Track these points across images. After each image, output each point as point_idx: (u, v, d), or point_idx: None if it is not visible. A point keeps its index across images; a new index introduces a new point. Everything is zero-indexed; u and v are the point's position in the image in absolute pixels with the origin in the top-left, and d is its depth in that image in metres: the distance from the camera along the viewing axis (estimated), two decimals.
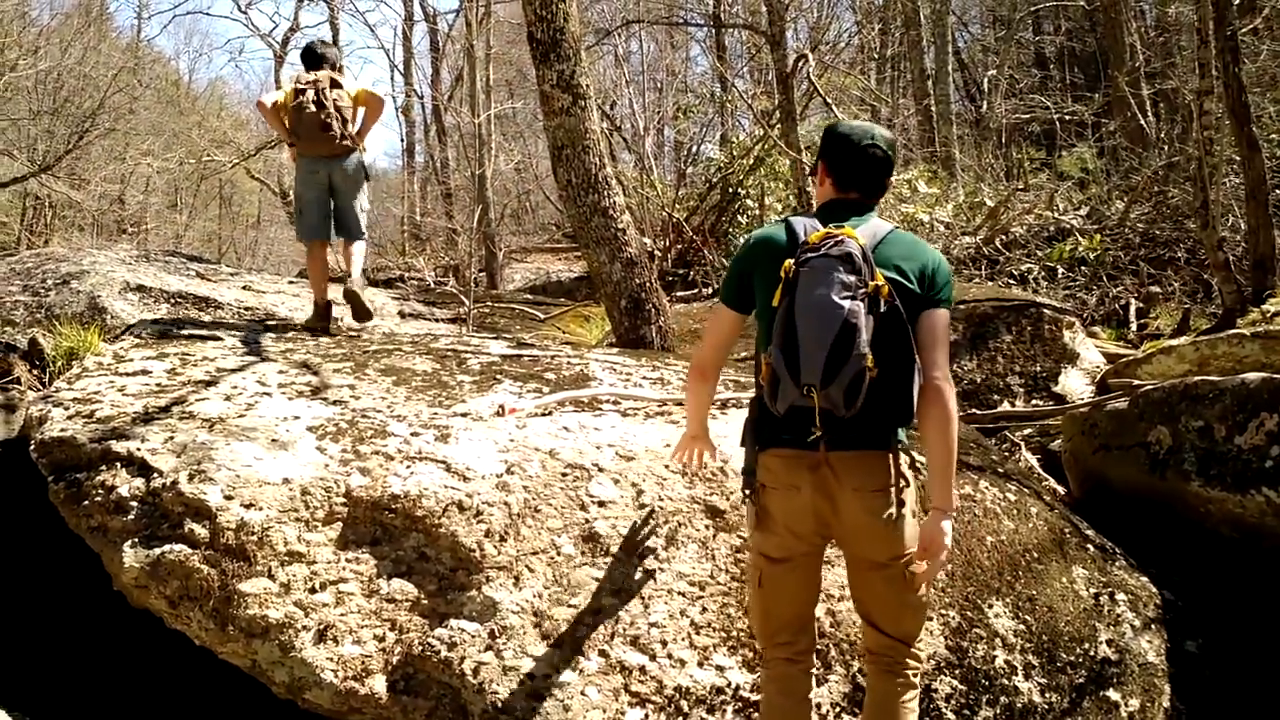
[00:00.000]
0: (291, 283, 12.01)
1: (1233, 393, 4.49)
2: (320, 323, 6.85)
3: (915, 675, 3.10)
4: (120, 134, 24.45)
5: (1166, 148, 14.69)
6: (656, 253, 14.33)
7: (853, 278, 2.81)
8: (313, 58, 6.83)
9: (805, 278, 2.84)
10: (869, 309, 2.80)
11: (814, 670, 3.26)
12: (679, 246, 15.34)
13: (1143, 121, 16.79)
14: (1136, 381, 5.99)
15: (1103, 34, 22.53)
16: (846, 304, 2.77)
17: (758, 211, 15.76)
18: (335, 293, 6.85)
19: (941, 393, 2.93)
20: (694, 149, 20.03)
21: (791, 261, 2.88)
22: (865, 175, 3.13)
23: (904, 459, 2.96)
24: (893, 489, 2.92)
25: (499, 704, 3.13)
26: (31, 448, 3.89)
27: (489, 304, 12.10)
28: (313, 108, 6.39)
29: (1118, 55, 18.81)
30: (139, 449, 3.68)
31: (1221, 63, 8.49)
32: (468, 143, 21.62)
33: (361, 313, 6.75)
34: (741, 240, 3.40)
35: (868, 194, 3.15)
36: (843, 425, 2.84)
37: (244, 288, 10.20)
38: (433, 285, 15.04)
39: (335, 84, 6.56)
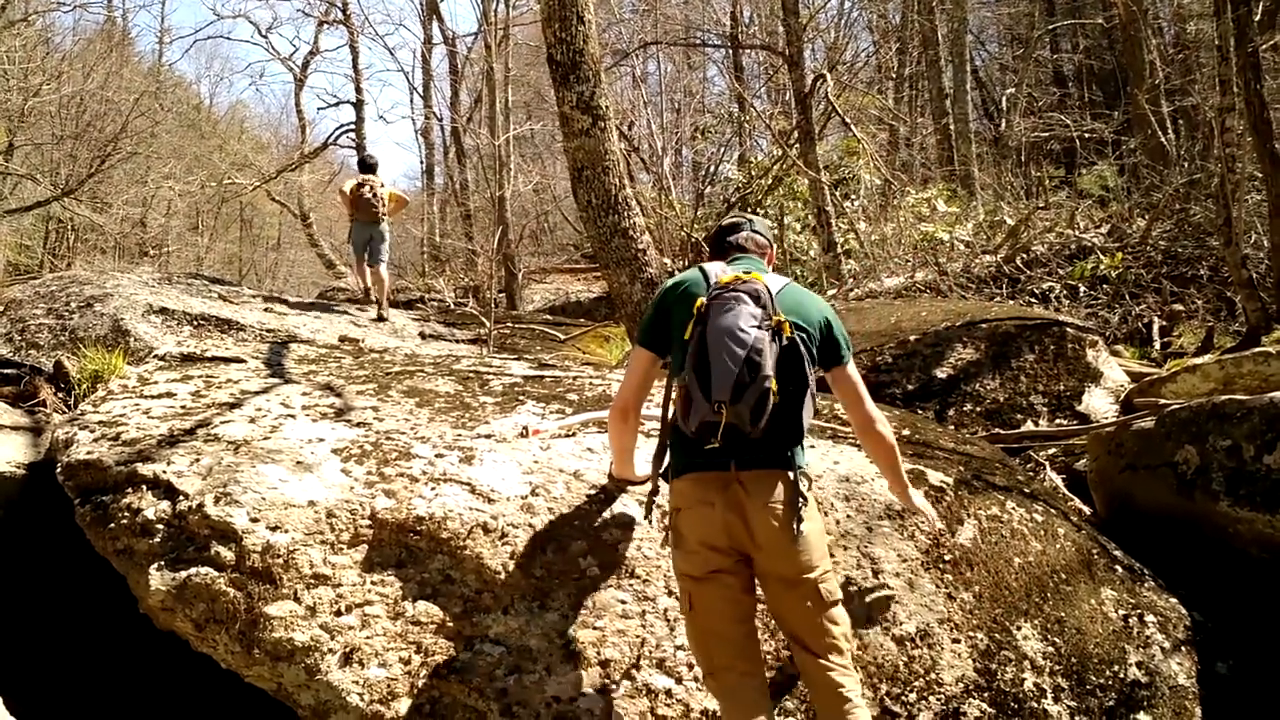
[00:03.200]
0: (313, 304, 12.07)
1: (1261, 411, 4.45)
2: (364, 296, 12.62)
3: (853, 688, 3.11)
4: (142, 157, 24.61)
5: (1188, 165, 14.62)
6: (674, 273, 14.33)
7: (760, 311, 3.16)
8: (366, 167, 12.83)
9: (715, 309, 3.17)
10: (772, 339, 3.13)
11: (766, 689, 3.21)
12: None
13: (1163, 139, 16.74)
14: (1162, 401, 5.94)
15: (1121, 51, 22.51)
16: (754, 332, 3.10)
17: (776, 231, 15.75)
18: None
19: (883, 437, 3.44)
20: (712, 169, 20.03)
21: (703, 299, 3.22)
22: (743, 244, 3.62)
23: (803, 481, 3.22)
24: (796, 506, 3.15)
25: None
26: (58, 470, 3.90)
27: (509, 325, 12.12)
28: (369, 195, 11.89)
29: (1137, 73, 18.78)
30: (165, 471, 3.69)
31: (1243, 79, 8.45)
32: (487, 164, 21.72)
33: (380, 313, 11.42)
34: (660, 287, 3.57)
35: (759, 253, 3.62)
36: (750, 446, 3.12)
37: (266, 310, 10.24)
38: (453, 306, 15.08)
39: (381, 183, 12.14)
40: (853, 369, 3.44)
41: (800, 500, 3.16)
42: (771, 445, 3.18)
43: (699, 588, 3.17)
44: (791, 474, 3.20)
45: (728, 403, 3.01)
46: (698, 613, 3.17)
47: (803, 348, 3.21)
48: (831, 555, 3.57)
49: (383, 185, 12.04)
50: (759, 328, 3.11)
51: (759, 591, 3.26)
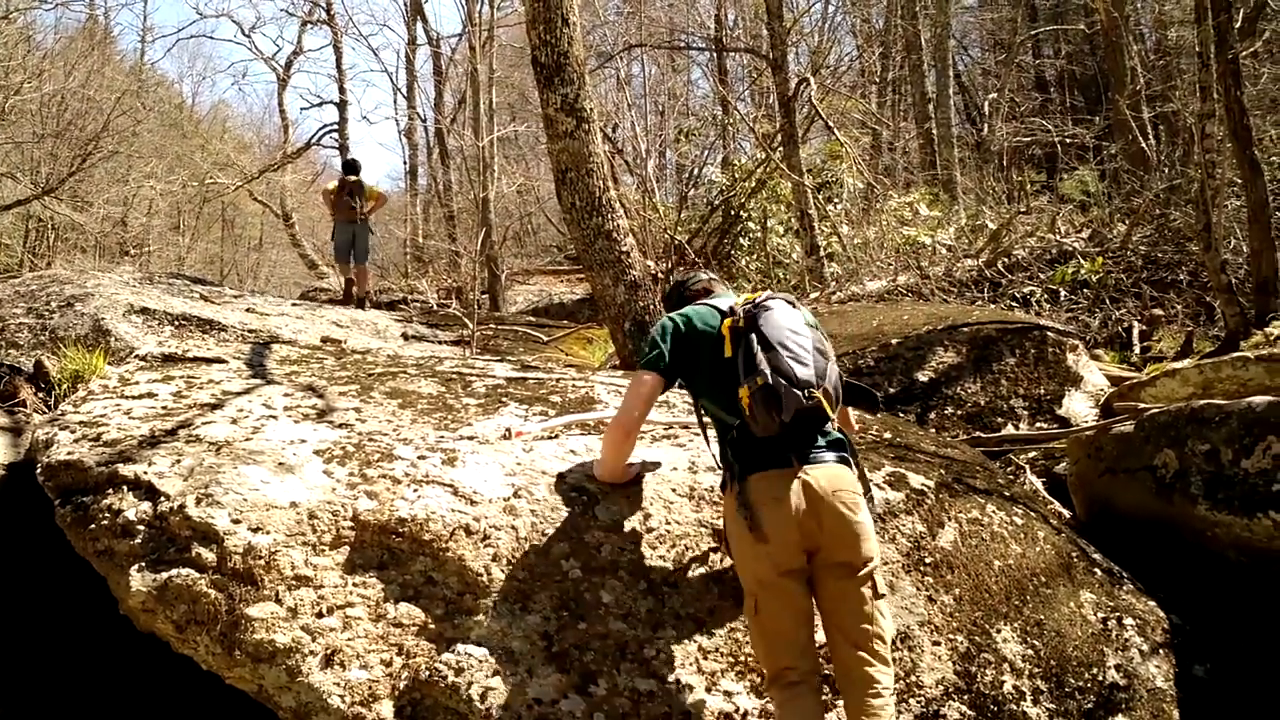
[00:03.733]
0: (295, 304, 12.03)
1: (1239, 416, 4.49)
2: (344, 295, 13.47)
3: (888, 685, 3.20)
4: (123, 156, 24.44)
5: (1168, 170, 14.74)
6: (659, 275, 14.35)
7: (799, 312, 3.52)
8: (348, 168, 13.72)
9: (762, 315, 3.44)
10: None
11: (824, 695, 3.29)
12: (681, 269, 15.35)
13: (1144, 144, 16.84)
14: (1142, 405, 5.98)
15: (1103, 57, 22.63)
16: (805, 327, 3.44)
17: (759, 234, 15.80)
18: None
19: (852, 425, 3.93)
20: (696, 172, 20.07)
21: (736, 316, 3.51)
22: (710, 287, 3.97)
23: (859, 468, 3.50)
24: (859, 492, 3.38)
25: None
26: (38, 471, 3.88)
27: (492, 326, 12.12)
28: (349, 196, 13.02)
29: (1118, 78, 18.88)
30: (146, 472, 3.68)
31: (1223, 86, 8.52)
32: (470, 165, 21.70)
33: (360, 303, 12.82)
34: (667, 320, 3.69)
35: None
36: (810, 439, 3.36)
37: (248, 310, 10.21)
38: (435, 307, 15.07)
39: (360, 184, 13.25)
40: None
41: (862, 487, 3.43)
42: (829, 436, 3.43)
43: (766, 591, 3.26)
44: (853, 460, 3.47)
45: (816, 387, 3.27)
46: (764, 615, 3.26)
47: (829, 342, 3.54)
48: None
49: (361, 185, 13.21)
50: (807, 324, 3.47)
51: None
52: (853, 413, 3.82)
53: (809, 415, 3.27)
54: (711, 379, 3.57)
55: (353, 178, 13.33)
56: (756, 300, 3.54)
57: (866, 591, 3.26)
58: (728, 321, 3.53)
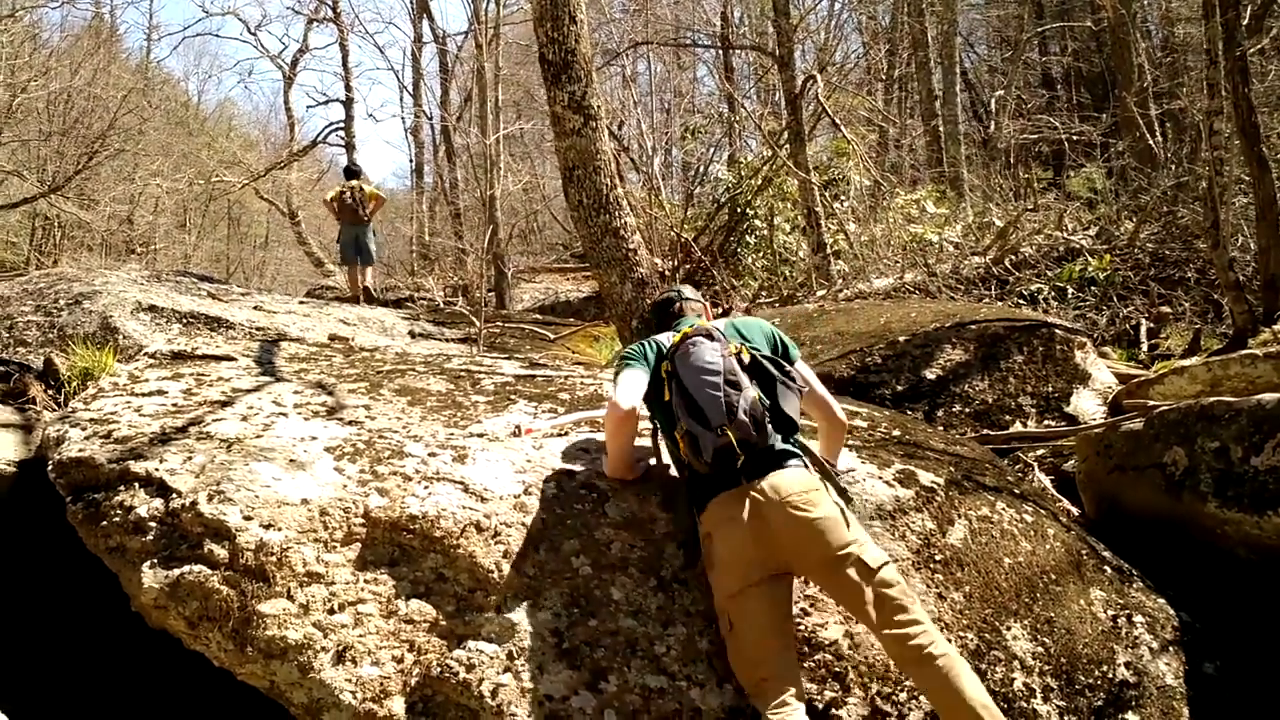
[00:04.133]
0: (302, 302, 12.05)
1: (1249, 413, 4.47)
2: (350, 294, 13.91)
3: (937, 641, 3.32)
4: (130, 155, 24.50)
5: (1175, 167, 14.70)
6: (666, 273, 14.35)
7: (717, 344, 3.62)
8: (349, 174, 14.45)
9: (680, 360, 3.60)
10: (737, 362, 3.57)
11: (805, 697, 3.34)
12: (687, 267, 15.36)
13: (1151, 141, 16.81)
14: (1151, 402, 5.97)
15: (1110, 54, 22.60)
16: (720, 360, 3.53)
17: (766, 231, 15.79)
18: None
19: (836, 417, 3.99)
20: (702, 169, 20.06)
21: (666, 362, 3.69)
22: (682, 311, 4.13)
23: (811, 468, 3.61)
24: (818, 489, 3.49)
25: None
26: (49, 468, 3.89)
27: (498, 324, 12.12)
28: (350, 199, 13.49)
29: (1125, 75, 18.86)
30: (157, 469, 3.69)
31: (1231, 83, 8.49)
32: (477, 163, 21.70)
33: (370, 300, 13.40)
34: (636, 346, 3.81)
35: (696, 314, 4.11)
36: (755, 456, 3.44)
37: (255, 308, 10.22)
38: (442, 305, 15.08)
39: (360, 188, 13.70)
40: (802, 365, 3.97)
41: (813, 485, 3.49)
42: (772, 448, 3.50)
43: (735, 605, 3.36)
44: (798, 463, 3.55)
45: (727, 424, 3.39)
46: (737, 631, 3.35)
47: (762, 360, 3.65)
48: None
49: (362, 189, 13.73)
50: (723, 356, 3.56)
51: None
52: (845, 405, 3.85)
53: (729, 450, 3.39)
54: (662, 416, 3.80)
55: (353, 182, 13.90)
56: (681, 342, 3.70)
57: (853, 573, 3.34)
58: (665, 365, 3.70)
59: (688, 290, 4.29)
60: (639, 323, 6.81)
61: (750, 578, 3.35)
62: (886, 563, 3.43)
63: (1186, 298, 10.84)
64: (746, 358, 3.63)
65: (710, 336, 3.67)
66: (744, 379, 3.52)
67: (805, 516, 3.38)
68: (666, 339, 3.84)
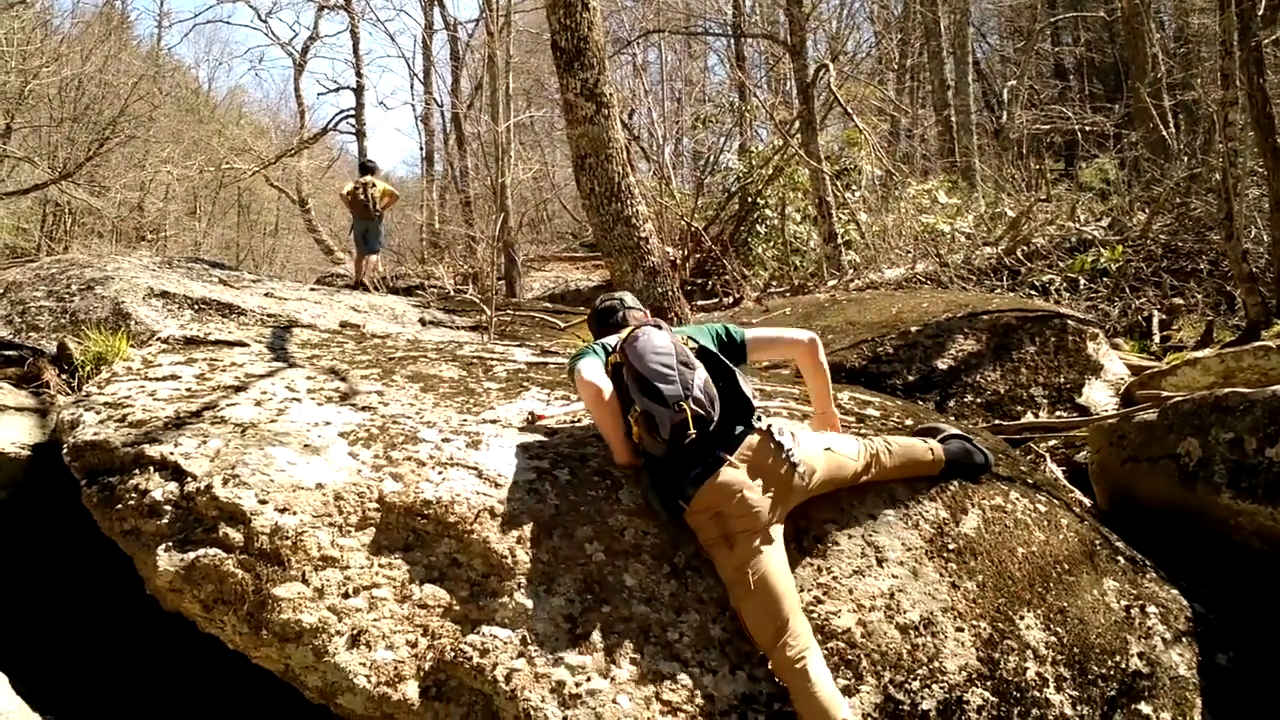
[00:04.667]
0: (313, 289, 12.07)
1: (1263, 405, 4.46)
2: (355, 282, 14.37)
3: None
4: (140, 141, 24.55)
5: (1189, 159, 14.63)
6: (675, 261, 14.33)
7: (665, 332, 3.77)
8: (364, 170, 15.19)
9: (630, 349, 3.68)
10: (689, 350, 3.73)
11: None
12: (698, 256, 15.34)
13: (1164, 132, 16.75)
14: (1165, 393, 5.96)
15: (1123, 45, 22.50)
16: (670, 345, 3.67)
17: (777, 221, 15.76)
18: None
19: (805, 345, 4.17)
20: (713, 159, 20.02)
21: (614, 354, 3.81)
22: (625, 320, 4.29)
23: (773, 426, 3.72)
24: (782, 444, 3.66)
25: (531, 711, 3.12)
26: (65, 451, 3.90)
27: (509, 312, 12.12)
28: (363, 196, 14.11)
29: (1139, 66, 18.78)
30: (172, 453, 3.70)
31: (1245, 73, 8.44)
32: (487, 151, 21.69)
33: (372, 288, 13.62)
34: (584, 348, 4.14)
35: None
36: (718, 435, 3.59)
37: (266, 295, 10.23)
38: (452, 293, 15.10)
39: (374, 184, 14.39)
40: (752, 330, 4.20)
41: (780, 440, 3.66)
42: (731, 424, 3.66)
43: (752, 563, 3.45)
44: (761, 427, 3.70)
45: (683, 399, 3.50)
46: (757, 587, 3.42)
47: (708, 348, 3.84)
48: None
49: (374, 185, 14.48)
50: (672, 342, 3.70)
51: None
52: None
53: (684, 426, 3.48)
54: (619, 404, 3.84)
55: (367, 178, 14.69)
56: (628, 335, 3.79)
57: (838, 471, 3.89)
58: (612, 357, 3.82)
59: (629, 299, 4.49)
60: (650, 310, 6.81)
61: (769, 523, 3.55)
62: (857, 451, 4.00)
63: (1199, 289, 10.80)
64: (694, 346, 3.80)
65: (659, 327, 3.83)
66: (694, 360, 3.68)
67: (786, 471, 3.63)
68: (613, 340, 3.98)
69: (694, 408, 3.48)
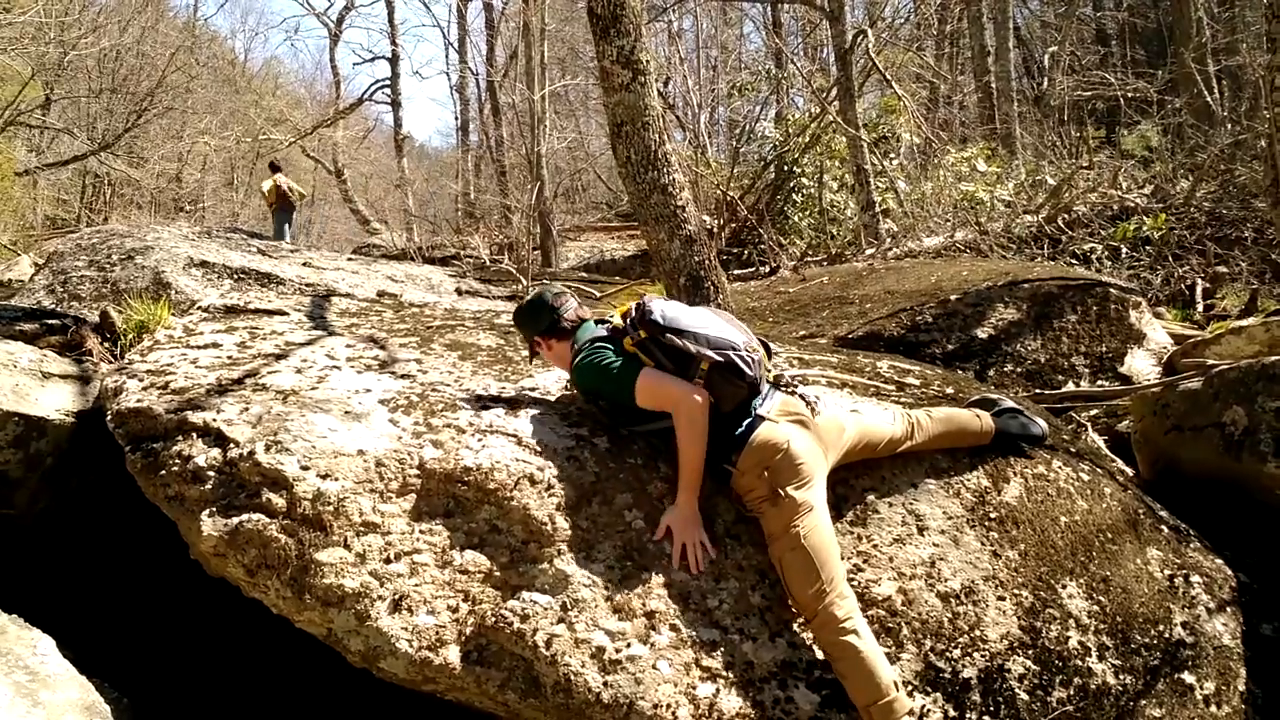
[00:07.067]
0: (350, 259, 12.13)
1: None
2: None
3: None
4: (178, 112, 24.77)
5: (1233, 125, 14.40)
6: (712, 230, 14.27)
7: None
8: (273, 168, 17.84)
9: (656, 317, 3.67)
10: None
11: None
12: (733, 225, 15.28)
13: (1209, 98, 16.47)
14: (1210, 361, 5.88)
15: (1166, 9, 22.11)
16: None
17: (814, 190, 15.65)
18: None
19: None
20: (749, 127, 19.88)
21: (627, 337, 3.74)
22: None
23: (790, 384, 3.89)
24: (805, 403, 3.74)
25: (571, 676, 3.13)
26: (109, 418, 3.94)
27: (544, 281, 12.13)
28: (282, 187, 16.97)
29: (1183, 30, 18.45)
30: (215, 420, 3.72)
31: None
32: (522, 120, 21.65)
33: None
34: (601, 350, 3.89)
35: None
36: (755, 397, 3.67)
37: (304, 264, 10.30)
38: (488, 263, 15.11)
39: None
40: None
41: (807, 397, 3.76)
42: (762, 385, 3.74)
43: (807, 512, 3.45)
44: (787, 385, 3.82)
45: (749, 339, 3.71)
46: (810, 538, 3.41)
47: None
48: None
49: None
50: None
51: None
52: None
53: (760, 363, 3.67)
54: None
55: (280, 176, 17.73)
56: (633, 312, 3.77)
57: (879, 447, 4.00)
58: (627, 341, 3.73)
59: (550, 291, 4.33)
60: (687, 279, 6.79)
61: (813, 476, 3.54)
62: (877, 419, 4.07)
63: (1243, 257, 10.63)
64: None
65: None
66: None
67: (835, 415, 3.86)
68: (600, 330, 3.92)
69: (756, 344, 3.72)
